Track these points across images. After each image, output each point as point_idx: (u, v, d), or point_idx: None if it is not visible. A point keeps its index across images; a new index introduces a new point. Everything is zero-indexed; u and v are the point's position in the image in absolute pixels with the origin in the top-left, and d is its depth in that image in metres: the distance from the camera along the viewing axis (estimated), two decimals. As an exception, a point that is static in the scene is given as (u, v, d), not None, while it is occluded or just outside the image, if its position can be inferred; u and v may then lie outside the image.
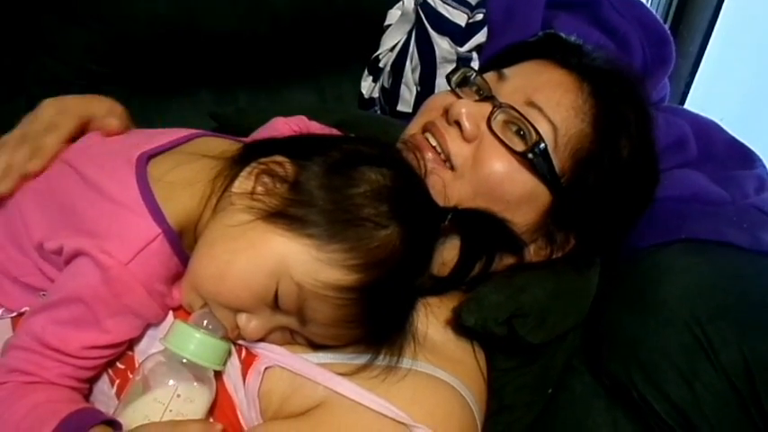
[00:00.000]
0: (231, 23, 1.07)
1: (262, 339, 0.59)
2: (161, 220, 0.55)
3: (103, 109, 0.67)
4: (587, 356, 0.77)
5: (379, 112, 1.14)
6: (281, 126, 0.76)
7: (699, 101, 1.60)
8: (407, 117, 1.03)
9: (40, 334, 0.54)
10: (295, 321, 0.56)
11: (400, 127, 0.79)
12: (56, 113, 0.66)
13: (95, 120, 0.66)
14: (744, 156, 0.94)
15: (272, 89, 1.16)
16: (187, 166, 0.60)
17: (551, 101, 0.66)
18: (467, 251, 0.64)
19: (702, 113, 1.00)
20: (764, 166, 0.93)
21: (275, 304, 0.55)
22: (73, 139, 0.66)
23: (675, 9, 1.55)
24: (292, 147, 0.59)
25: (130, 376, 0.56)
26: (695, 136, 0.94)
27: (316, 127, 0.78)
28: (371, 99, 1.14)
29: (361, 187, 0.55)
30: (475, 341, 0.69)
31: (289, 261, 0.53)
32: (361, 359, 0.58)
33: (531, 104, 0.66)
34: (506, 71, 0.71)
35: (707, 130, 0.96)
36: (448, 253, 0.66)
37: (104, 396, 0.58)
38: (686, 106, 1.56)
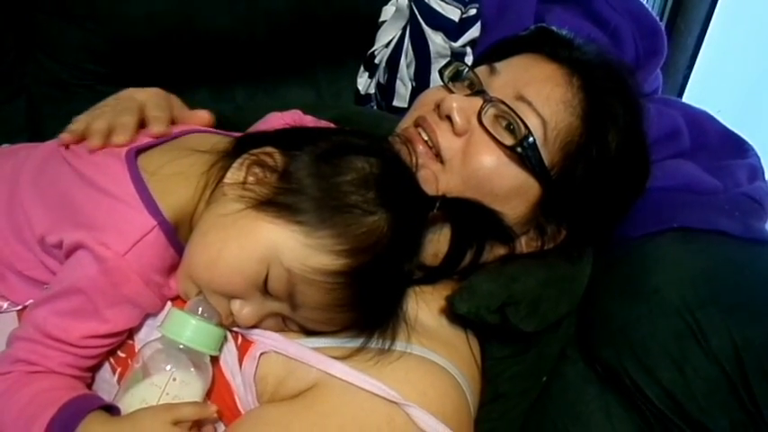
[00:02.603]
0: (228, 21, 1.08)
1: (256, 326, 0.60)
2: (156, 212, 0.57)
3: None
4: (580, 344, 0.78)
5: (375, 107, 1.15)
6: (275, 120, 0.77)
7: (696, 94, 1.60)
8: (403, 112, 1.03)
9: (42, 325, 0.55)
10: (287, 307, 0.58)
11: (395, 122, 0.80)
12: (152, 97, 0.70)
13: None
14: (736, 145, 0.94)
15: (270, 86, 1.17)
16: (181, 160, 0.61)
17: (541, 95, 0.67)
18: (457, 239, 0.65)
19: (700, 106, 1.01)
20: (757, 156, 0.94)
21: (266, 290, 0.56)
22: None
23: (672, 2, 1.55)
24: (282, 138, 0.61)
25: (131, 364, 0.58)
26: (688, 127, 0.95)
27: (309, 120, 0.79)
28: (368, 95, 1.16)
29: (349, 175, 0.57)
30: (469, 330, 0.70)
31: (279, 247, 0.55)
32: (354, 343, 0.60)
33: (521, 99, 0.67)
34: (497, 65, 0.72)
35: (699, 121, 0.96)
36: (440, 244, 0.67)
37: (107, 384, 0.60)
38: (684, 99, 1.56)
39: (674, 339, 0.70)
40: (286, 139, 0.60)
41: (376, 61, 1.11)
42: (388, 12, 1.10)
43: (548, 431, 0.75)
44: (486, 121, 0.66)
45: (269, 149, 0.59)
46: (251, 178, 0.58)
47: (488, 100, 0.67)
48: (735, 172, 0.90)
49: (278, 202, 0.56)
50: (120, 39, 1.05)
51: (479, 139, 0.67)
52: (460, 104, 0.67)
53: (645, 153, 0.72)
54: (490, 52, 0.78)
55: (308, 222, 0.55)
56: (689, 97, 1.62)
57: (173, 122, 0.70)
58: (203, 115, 0.74)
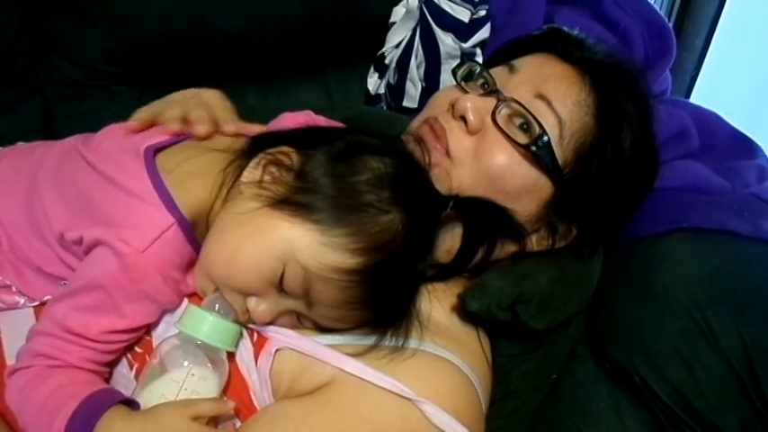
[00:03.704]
0: (240, 23, 1.10)
1: (271, 323, 0.61)
2: (174, 209, 0.58)
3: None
4: (590, 342, 0.79)
5: (385, 107, 1.16)
6: (289, 120, 0.78)
7: (704, 95, 1.60)
8: (413, 112, 1.05)
9: (62, 320, 0.56)
10: (302, 304, 0.59)
11: (406, 122, 0.81)
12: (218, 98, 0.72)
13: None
14: (745, 146, 0.95)
15: (280, 87, 1.18)
16: (198, 158, 0.62)
17: (558, 93, 0.68)
18: (469, 237, 0.65)
19: (708, 107, 1.01)
20: (765, 156, 0.94)
21: (282, 287, 0.57)
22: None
23: (680, 3, 1.55)
24: (298, 138, 0.62)
25: (148, 359, 0.59)
26: (696, 127, 0.95)
27: (322, 121, 0.80)
28: (377, 95, 1.16)
29: (364, 175, 0.57)
30: (479, 327, 0.70)
31: (295, 245, 0.56)
32: (368, 340, 0.60)
33: (541, 97, 0.67)
34: (515, 63, 0.72)
35: (708, 122, 0.97)
36: (452, 241, 0.67)
37: (124, 379, 0.61)
38: (691, 100, 1.56)
39: (684, 338, 0.71)
40: (302, 139, 0.61)
41: (386, 62, 1.12)
42: (398, 13, 1.11)
43: (558, 429, 0.76)
44: (500, 119, 0.67)
45: (285, 149, 0.60)
46: (267, 177, 0.59)
47: (502, 99, 0.68)
48: (743, 172, 0.91)
49: (294, 200, 0.57)
50: (133, 40, 1.06)
51: (493, 138, 0.67)
52: (475, 104, 0.68)
53: (656, 152, 0.73)
54: (502, 52, 0.79)
55: (323, 221, 0.56)
56: (696, 98, 1.61)
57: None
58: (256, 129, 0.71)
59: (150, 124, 0.66)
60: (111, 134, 0.67)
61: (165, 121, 0.65)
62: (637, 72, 0.74)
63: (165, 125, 0.65)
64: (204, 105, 0.68)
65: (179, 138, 0.65)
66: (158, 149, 0.62)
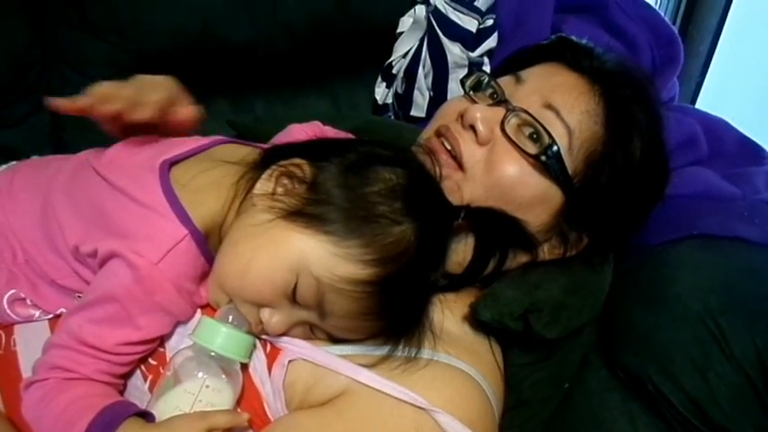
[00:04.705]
0: (247, 34, 1.10)
1: (284, 334, 0.61)
2: (187, 221, 0.58)
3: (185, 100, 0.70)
4: (602, 351, 0.79)
5: (392, 117, 1.17)
6: (297, 132, 0.79)
7: (709, 101, 1.60)
8: (421, 122, 1.05)
9: (77, 332, 0.57)
10: (315, 315, 0.59)
11: (414, 131, 0.81)
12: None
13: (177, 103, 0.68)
14: (753, 153, 0.95)
15: (288, 97, 1.19)
16: (211, 171, 0.63)
17: (567, 103, 0.68)
18: (481, 248, 0.66)
19: (713, 113, 1.01)
20: (774, 162, 0.94)
21: (295, 298, 0.57)
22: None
23: (685, 9, 1.55)
24: (310, 150, 0.62)
25: (162, 371, 0.59)
26: (705, 134, 0.95)
27: (330, 132, 0.81)
28: (385, 105, 1.17)
29: (376, 186, 0.58)
30: (491, 337, 0.70)
31: (308, 256, 0.56)
32: (381, 351, 0.60)
33: (549, 107, 0.68)
34: (522, 74, 0.72)
35: (716, 128, 0.97)
36: (464, 252, 0.68)
37: (138, 391, 0.61)
38: (697, 106, 1.56)
39: (697, 346, 0.71)
40: (314, 151, 0.61)
41: (394, 71, 1.13)
42: (405, 23, 1.11)
43: (571, 438, 0.75)
44: (509, 130, 0.67)
45: (297, 161, 0.60)
46: (280, 189, 0.59)
47: (511, 109, 0.68)
48: (752, 179, 0.90)
49: (307, 212, 0.57)
50: (142, 52, 1.07)
51: (502, 149, 0.67)
52: (484, 114, 0.68)
53: (666, 160, 0.73)
54: (510, 62, 0.79)
55: (336, 232, 0.56)
56: (702, 104, 1.61)
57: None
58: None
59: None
60: (124, 148, 0.67)
61: (113, 100, 0.62)
62: (646, 80, 0.74)
63: (111, 104, 0.62)
64: (160, 90, 0.66)
65: (194, 150, 0.65)
66: (173, 163, 0.63)
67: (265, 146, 0.69)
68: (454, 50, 1.04)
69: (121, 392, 0.60)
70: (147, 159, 0.63)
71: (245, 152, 0.65)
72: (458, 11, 1.05)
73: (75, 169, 0.67)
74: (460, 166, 0.68)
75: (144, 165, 0.62)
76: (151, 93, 0.65)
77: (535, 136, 0.67)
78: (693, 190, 0.86)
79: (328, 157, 0.60)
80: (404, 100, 1.11)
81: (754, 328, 0.69)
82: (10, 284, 0.63)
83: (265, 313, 0.59)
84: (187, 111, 0.68)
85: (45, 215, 0.63)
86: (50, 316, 0.64)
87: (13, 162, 0.74)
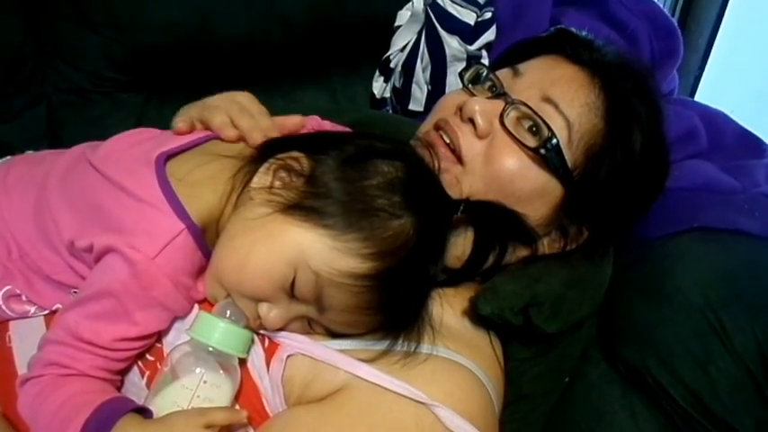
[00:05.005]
0: (244, 28, 1.10)
1: (283, 329, 0.61)
2: (184, 216, 0.58)
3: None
4: (602, 344, 0.79)
5: (390, 111, 1.16)
6: (295, 126, 0.78)
7: (708, 94, 1.60)
8: (419, 116, 1.05)
9: (73, 328, 0.56)
10: (313, 310, 0.58)
11: (413, 125, 0.80)
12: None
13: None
14: (753, 145, 0.95)
15: (286, 91, 1.18)
16: (208, 165, 0.62)
17: (566, 96, 0.67)
18: (480, 242, 0.65)
19: (712, 106, 1.01)
20: (774, 155, 0.94)
21: (293, 293, 0.57)
22: None
23: (683, 2, 1.55)
24: (308, 143, 0.62)
25: (159, 367, 0.59)
26: (705, 127, 0.95)
27: (328, 126, 0.80)
28: (383, 99, 1.16)
29: (375, 179, 0.57)
30: (491, 331, 0.70)
31: (306, 250, 0.55)
32: (380, 345, 0.60)
33: (548, 100, 0.67)
34: (520, 67, 0.72)
35: (716, 121, 0.97)
36: (463, 246, 0.67)
37: (135, 387, 0.60)
38: (696, 99, 1.56)
39: (698, 339, 0.71)
40: (312, 144, 0.61)
41: (391, 65, 1.12)
42: (403, 16, 1.11)
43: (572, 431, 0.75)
44: (508, 123, 0.67)
45: (295, 154, 0.59)
46: (278, 182, 0.58)
47: (510, 102, 0.67)
48: (752, 172, 0.90)
49: (305, 205, 0.56)
50: (138, 46, 1.07)
51: (502, 142, 0.67)
52: (483, 107, 0.67)
53: (667, 152, 0.72)
54: (509, 54, 0.78)
55: (335, 226, 0.55)
56: (700, 97, 1.61)
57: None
58: (296, 120, 0.73)
59: (195, 127, 0.67)
60: (120, 141, 0.66)
61: (217, 128, 0.66)
62: (646, 73, 0.74)
63: (217, 132, 0.65)
64: (246, 111, 0.68)
65: (189, 144, 0.65)
66: (169, 156, 0.62)
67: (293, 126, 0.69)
68: (452, 44, 1.03)
69: (118, 388, 0.60)
70: (142, 153, 0.62)
71: (242, 146, 0.65)
72: (456, 3, 1.04)
73: (70, 163, 0.66)
74: (459, 160, 0.68)
75: (140, 158, 0.61)
76: (244, 116, 0.67)
77: (534, 129, 0.67)
78: (693, 183, 0.86)
79: (326, 150, 0.59)
80: (402, 94, 1.10)
81: (755, 321, 0.69)
82: (5, 280, 0.63)
83: (263, 308, 0.59)
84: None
85: (39, 210, 0.63)
86: (46, 312, 0.64)
87: (8, 157, 0.73)
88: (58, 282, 0.63)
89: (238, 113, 0.67)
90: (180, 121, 0.67)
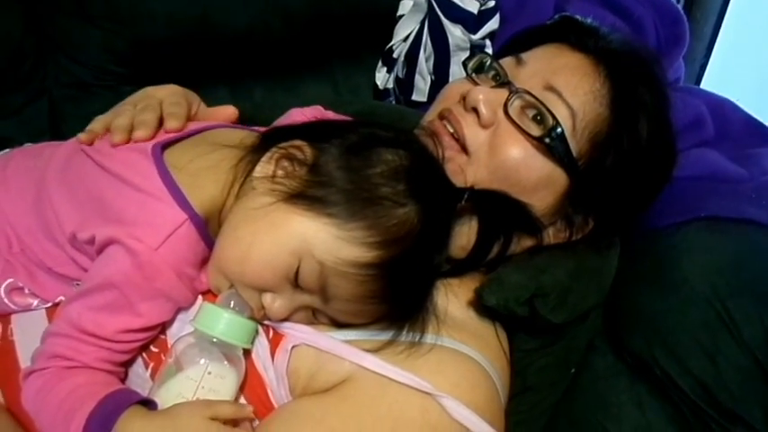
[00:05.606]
0: (245, 20, 1.09)
1: (287, 319, 0.60)
2: (186, 206, 0.57)
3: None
4: (609, 335, 0.78)
5: (393, 102, 1.15)
6: (298, 116, 0.78)
7: (714, 82, 1.59)
8: (422, 106, 1.04)
9: (76, 320, 0.56)
10: (318, 299, 0.58)
11: (417, 116, 0.80)
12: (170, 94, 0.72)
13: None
14: (760, 134, 0.94)
15: (287, 83, 1.18)
16: (209, 155, 0.61)
17: (570, 85, 0.67)
18: (485, 231, 0.65)
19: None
20: (782, 143, 0.93)
21: (297, 283, 0.57)
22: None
23: (689, -9, 1.54)
24: (310, 132, 0.61)
25: (164, 359, 0.58)
26: (711, 115, 0.94)
27: (331, 116, 0.80)
28: (386, 90, 1.16)
29: (379, 167, 0.57)
30: (497, 322, 0.70)
31: (310, 240, 0.55)
32: (385, 335, 0.60)
33: (551, 89, 0.67)
34: (524, 56, 0.71)
35: (723, 110, 0.96)
36: (467, 236, 0.66)
37: (139, 379, 0.60)
38: (702, 87, 1.55)
39: (705, 329, 0.70)
40: (314, 132, 0.60)
41: (394, 56, 1.11)
42: (405, 6, 1.10)
43: (578, 423, 0.75)
44: (512, 112, 0.66)
45: (298, 143, 0.59)
46: (280, 172, 0.58)
47: (514, 91, 0.67)
48: (760, 160, 0.89)
49: (308, 194, 0.56)
50: (139, 39, 1.06)
51: (506, 131, 0.66)
52: (486, 96, 0.67)
53: (673, 141, 0.72)
54: (513, 43, 0.78)
55: (338, 215, 0.55)
56: (706, 86, 1.60)
57: (191, 119, 0.71)
58: (228, 110, 0.75)
59: (99, 136, 0.66)
60: None
61: (112, 132, 0.64)
62: (653, 60, 0.73)
63: (112, 136, 0.64)
64: (154, 107, 0.67)
65: (186, 133, 0.64)
66: (166, 146, 0.61)
67: (262, 129, 0.68)
68: (455, 33, 1.02)
69: (123, 380, 0.60)
70: (136, 144, 0.62)
71: (243, 135, 0.64)
72: (458, -9, 1.03)
73: (68, 155, 0.65)
74: (464, 149, 0.67)
75: (134, 148, 0.61)
76: (145, 112, 0.66)
77: (539, 118, 0.66)
78: (700, 172, 0.85)
79: (329, 138, 0.59)
80: (405, 84, 1.09)
81: (763, 310, 0.68)
82: (6, 273, 0.62)
83: (267, 298, 0.58)
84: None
85: (40, 202, 0.62)
86: (49, 305, 0.64)
87: (6, 150, 0.73)
88: (61, 274, 0.63)
89: (140, 111, 0.66)
90: (88, 130, 0.66)
